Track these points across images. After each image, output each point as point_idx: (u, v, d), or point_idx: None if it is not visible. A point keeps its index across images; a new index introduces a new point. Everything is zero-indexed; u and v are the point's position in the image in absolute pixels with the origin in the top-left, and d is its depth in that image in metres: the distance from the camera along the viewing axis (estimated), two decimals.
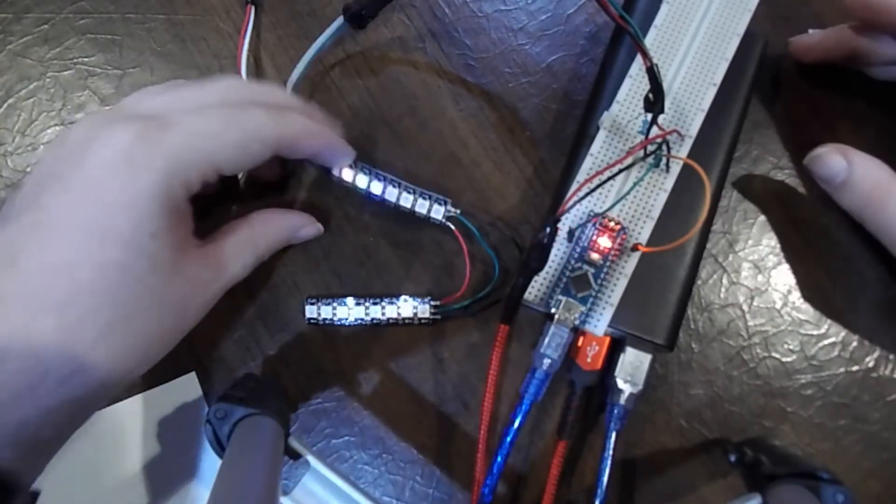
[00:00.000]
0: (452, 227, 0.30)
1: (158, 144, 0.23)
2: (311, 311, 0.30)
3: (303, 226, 0.30)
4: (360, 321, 0.30)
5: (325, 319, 0.30)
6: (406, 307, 0.30)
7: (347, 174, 0.29)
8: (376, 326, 0.30)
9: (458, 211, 0.30)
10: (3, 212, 0.23)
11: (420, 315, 0.30)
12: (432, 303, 0.30)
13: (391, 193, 0.29)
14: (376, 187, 0.29)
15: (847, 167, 0.27)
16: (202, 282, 0.25)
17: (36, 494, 0.22)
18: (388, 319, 0.30)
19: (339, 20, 0.30)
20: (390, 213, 0.31)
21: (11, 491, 0.21)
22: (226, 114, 0.24)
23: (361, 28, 0.30)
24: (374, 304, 0.30)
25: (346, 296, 0.30)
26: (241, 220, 0.28)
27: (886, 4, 0.27)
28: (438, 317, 0.30)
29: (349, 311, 0.30)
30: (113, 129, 0.23)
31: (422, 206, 0.29)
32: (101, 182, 0.22)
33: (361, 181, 0.29)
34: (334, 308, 0.30)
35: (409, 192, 0.29)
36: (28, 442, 0.21)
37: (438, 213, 0.29)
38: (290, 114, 0.26)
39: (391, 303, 0.30)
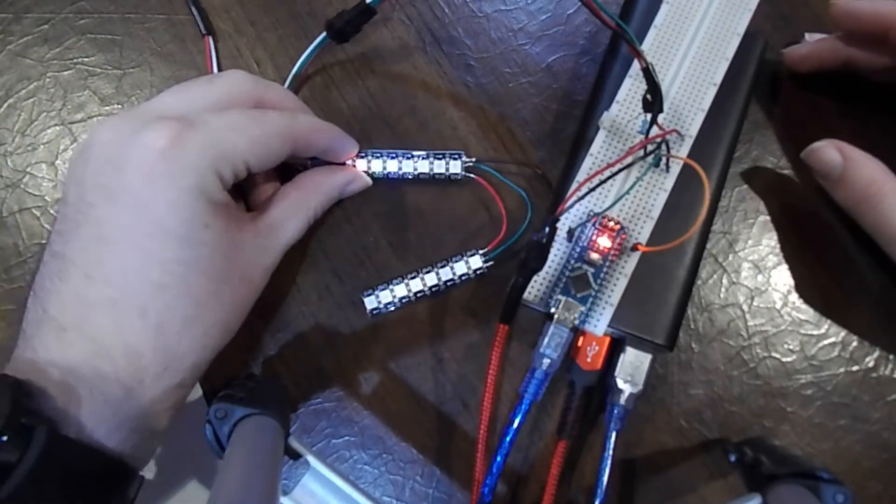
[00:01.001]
0: (474, 176, 0.31)
1: (190, 144, 0.24)
2: (371, 303, 0.30)
3: (350, 181, 0.30)
4: (421, 293, 0.30)
5: (388, 304, 0.30)
6: (459, 265, 0.30)
7: (361, 165, 0.30)
8: (436, 295, 0.30)
9: (474, 159, 0.30)
10: (58, 228, 0.25)
11: (473, 266, 0.30)
12: (481, 251, 0.30)
13: (407, 166, 0.30)
14: (392, 165, 0.30)
15: (842, 163, 0.27)
16: (260, 250, 0.27)
17: (143, 479, 0.25)
18: (446, 282, 0.30)
19: (322, 35, 0.30)
20: (392, 212, 0.31)
21: (132, 476, 0.24)
22: (246, 114, 0.26)
23: (344, 42, 0.31)
24: (428, 272, 0.30)
25: (393, 279, 0.30)
26: (289, 185, 0.29)
27: (868, 14, 0.27)
28: (491, 262, 0.30)
29: (408, 287, 0.30)
30: (145, 133, 0.24)
31: (439, 167, 0.30)
32: (145, 187, 0.23)
33: (376, 166, 0.30)
34: (392, 290, 0.30)
35: (422, 159, 0.30)
36: (143, 429, 0.24)
37: (457, 167, 0.30)
38: (298, 113, 0.29)
39: (443, 266, 0.30)
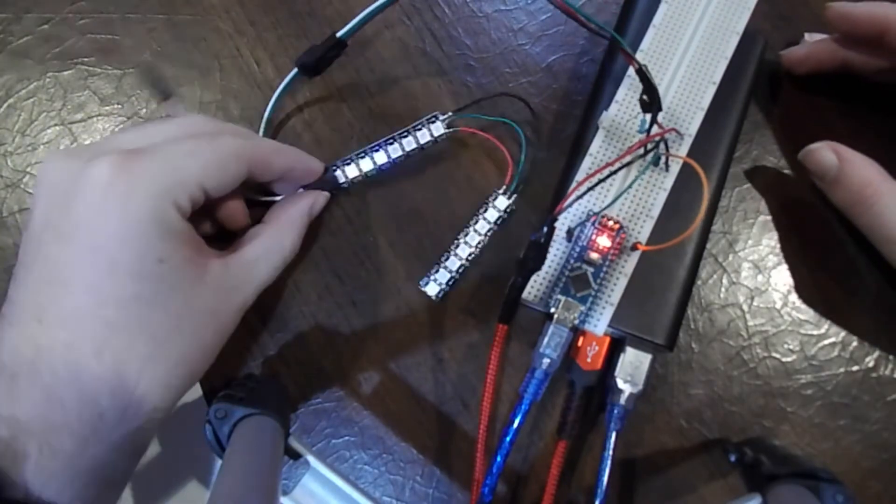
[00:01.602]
0: (459, 128, 0.31)
1: (140, 172, 0.23)
2: (432, 289, 0.30)
3: (314, 202, 0.30)
4: (471, 255, 0.30)
5: (448, 281, 0.30)
6: (489, 213, 0.30)
7: (352, 171, 0.30)
8: (483, 251, 0.30)
9: (449, 113, 0.31)
10: (15, 271, 0.24)
11: (502, 207, 0.30)
12: (499, 192, 0.30)
13: (395, 150, 0.30)
14: (381, 157, 0.30)
15: (838, 164, 0.28)
16: (230, 289, 0.26)
17: None
18: (486, 232, 0.30)
19: (294, 71, 0.30)
20: (392, 212, 0.31)
21: None
22: (198, 138, 0.25)
23: (317, 75, 0.31)
24: (466, 234, 0.30)
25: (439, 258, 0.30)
26: (261, 225, 0.29)
27: (864, 17, 0.27)
28: (515, 196, 0.31)
29: (458, 256, 0.30)
30: (91, 167, 0.23)
31: (423, 137, 0.31)
32: (93, 223, 0.22)
33: (367, 165, 0.30)
34: (444, 266, 0.30)
35: (403, 137, 0.31)
36: (102, 480, 0.22)
37: (439, 129, 0.31)
38: (258, 137, 0.29)
39: (476, 222, 0.30)
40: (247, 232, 0.28)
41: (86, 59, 0.33)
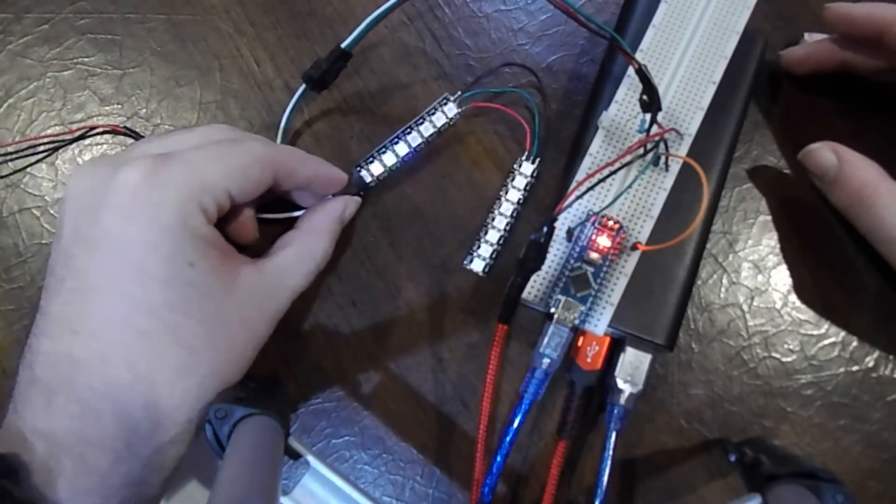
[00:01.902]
0: (472, 104, 0.31)
1: (166, 178, 0.23)
2: (477, 265, 0.30)
3: (344, 208, 0.29)
4: (508, 224, 0.30)
5: (492, 254, 0.30)
6: (517, 180, 0.30)
7: (376, 168, 0.30)
8: (518, 219, 0.30)
9: (460, 93, 0.31)
10: (46, 282, 0.23)
11: (527, 172, 0.30)
12: (523, 158, 0.31)
13: (414, 139, 0.30)
14: (402, 149, 0.30)
15: (837, 164, 0.27)
16: (263, 296, 0.25)
17: None
18: (518, 201, 0.30)
19: (302, 87, 0.30)
20: (392, 212, 0.31)
21: None
22: (223, 144, 0.25)
23: (324, 89, 0.31)
24: (498, 205, 0.30)
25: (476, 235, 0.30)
26: (293, 231, 0.28)
27: (863, 16, 0.27)
28: (540, 159, 0.31)
29: (495, 228, 0.30)
30: (119, 173, 0.23)
31: (439, 120, 0.31)
32: (122, 230, 0.22)
33: (390, 159, 0.30)
34: (484, 240, 0.30)
35: (420, 123, 0.31)
36: (134, 495, 0.22)
37: (452, 110, 0.31)
38: (281, 146, 0.28)
39: (506, 192, 0.30)
40: (278, 240, 0.28)
41: (86, 59, 0.33)
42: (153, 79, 0.33)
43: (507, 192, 0.30)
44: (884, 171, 0.27)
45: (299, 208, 0.30)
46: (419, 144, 0.31)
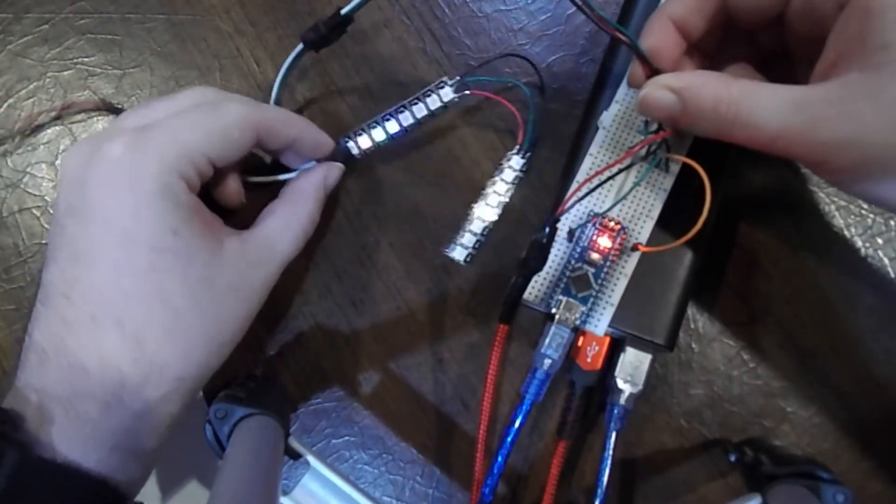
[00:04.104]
0: (468, 91, 0.30)
1: (145, 147, 0.24)
2: (459, 253, 0.30)
3: (326, 174, 0.29)
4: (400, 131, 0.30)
5: (475, 244, 0.30)
6: (505, 173, 0.30)
7: (364, 141, 0.30)
8: (506, 211, 0.30)
9: (457, 77, 0.30)
10: (47, 254, 0.25)
11: (517, 166, 0.30)
12: (513, 153, 0.30)
13: (406, 118, 0.30)
14: (392, 126, 0.30)
15: (677, 98, 0.23)
16: (250, 265, 0.26)
17: None
18: (507, 191, 0.30)
19: (300, 46, 0.30)
20: (392, 212, 0.31)
21: (121, 500, 0.23)
22: (202, 108, 0.25)
23: (323, 47, 0.30)
24: (483, 196, 0.30)
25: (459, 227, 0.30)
26: (276, 200, 0.29)
27: None
28: (530, 154, 0.30)
29: (479, 218, 0.30)
30: (101, 148, 0.24)
31: (434, 103, 0.30)
32: (107, 199, 0.23)
33: (379, 135, 0.30)
34: (469, 230, 0.30)
35: (413, 104, 0.30)
36: (125, 448, 0.23)
37: (448, 94, 0.30)
38: (266, 105, 0.28)
39: (494, 183, 0.30)
40: (263, 210, 0.28)
41: (86, 59, 0.33)
42: (153, 79, 0.33)
43: (494, 184, 0.30)
44: (726, 75, 0.23)
45: (288, 171, 0.30)
46: (411, 124, 0.30)
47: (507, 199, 0.30)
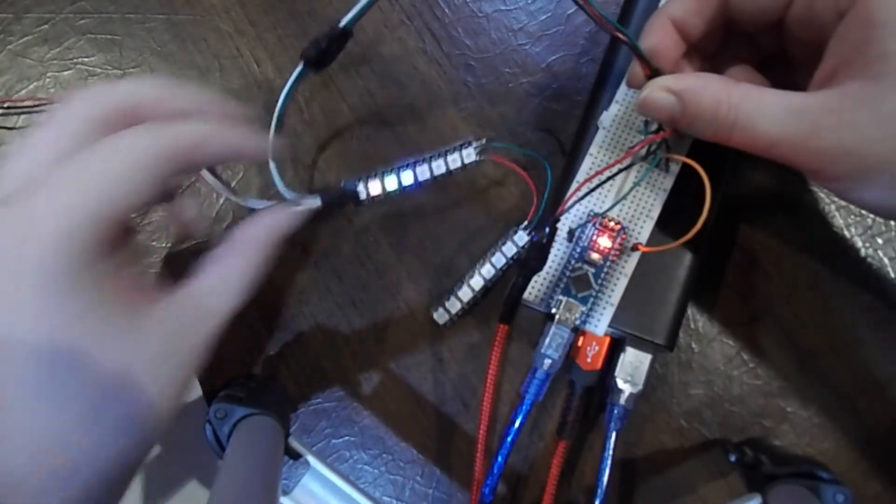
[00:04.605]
0: (491, 157, 0.29)
1: (26, 232, 0.19)
2: (441, 317, 0.30)
3: (284, 222, 0.26)
4: (483, 288, 0.29)
5: (457, 312, 0.30)
6: (507, 247, 0.29)
7: (375, 188, 0.28)
8: (496, 284, 0.30)
9: (483, 140, 0.29)
10: None
11: (521, 243, 0.29)
12: (521, 228, 0.29)
13: (423, 173, 0.29)
14: (407, 178, 0.29)
15: (677, 100, 0.23)
16: (177, 333, 0.22)
17: None
18: (501, 268, 0.29)
19: (301, 66, 0.28)
20: (392, 212, 0.31)
21: None
22: (88, 158, 0.21)
23: (324, 67, 0.29)
24: (482, 265, 0.29)
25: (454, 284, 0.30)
26: (221, 245, 0.25)
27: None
28: (535, 231, 0.29)
29: (470, 287, 0.29)
30: None
31: (454, 162, 0.29)
32: (5, 296, 0.19)
33: (392, 184, 0.28)
34: (456, 294, 0.29)
35: (434, 160, 0.29)
36: None
37: (471, 156, 0.29)
38: (178, 120, 0.23)
39: (493, 255, 0.30)
40: (205, 257, 0.24)
41: (86, 59, 0.33)
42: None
43: (493, 255, 0.29)
44: (726, 78, 0.23)
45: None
46: (426, 179, 0.29)
47: (501, 274, 0.29)
